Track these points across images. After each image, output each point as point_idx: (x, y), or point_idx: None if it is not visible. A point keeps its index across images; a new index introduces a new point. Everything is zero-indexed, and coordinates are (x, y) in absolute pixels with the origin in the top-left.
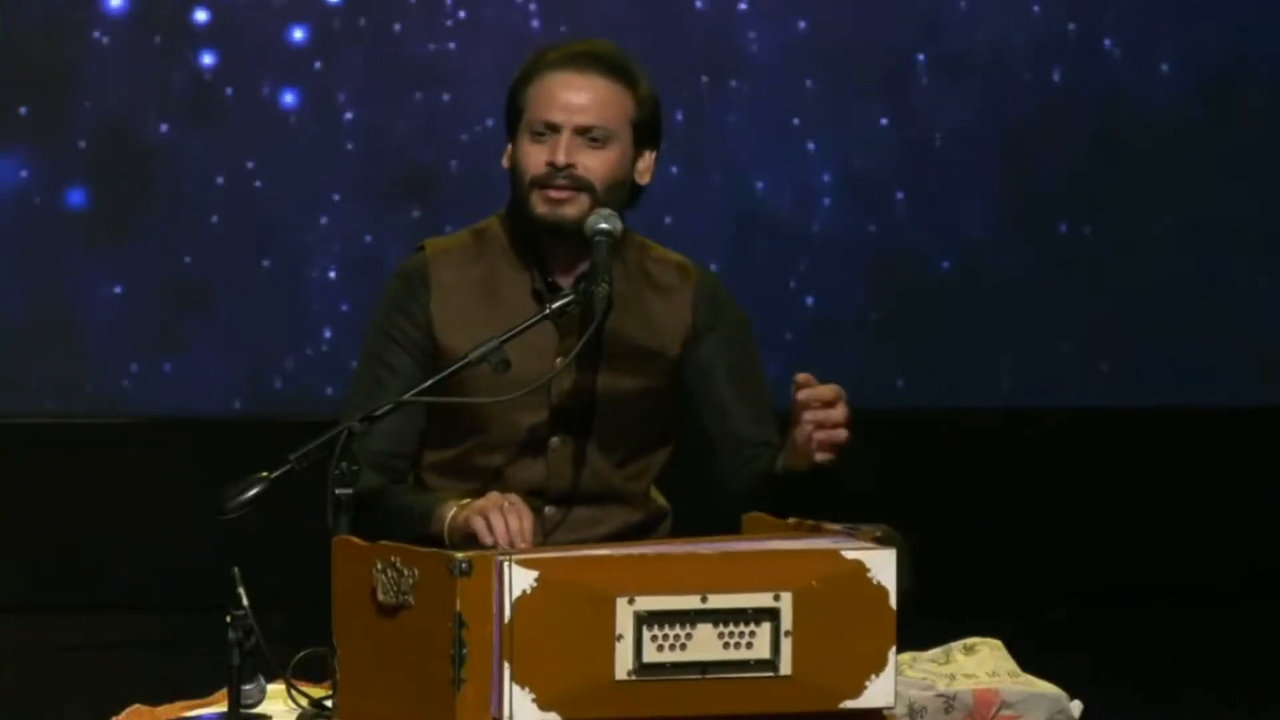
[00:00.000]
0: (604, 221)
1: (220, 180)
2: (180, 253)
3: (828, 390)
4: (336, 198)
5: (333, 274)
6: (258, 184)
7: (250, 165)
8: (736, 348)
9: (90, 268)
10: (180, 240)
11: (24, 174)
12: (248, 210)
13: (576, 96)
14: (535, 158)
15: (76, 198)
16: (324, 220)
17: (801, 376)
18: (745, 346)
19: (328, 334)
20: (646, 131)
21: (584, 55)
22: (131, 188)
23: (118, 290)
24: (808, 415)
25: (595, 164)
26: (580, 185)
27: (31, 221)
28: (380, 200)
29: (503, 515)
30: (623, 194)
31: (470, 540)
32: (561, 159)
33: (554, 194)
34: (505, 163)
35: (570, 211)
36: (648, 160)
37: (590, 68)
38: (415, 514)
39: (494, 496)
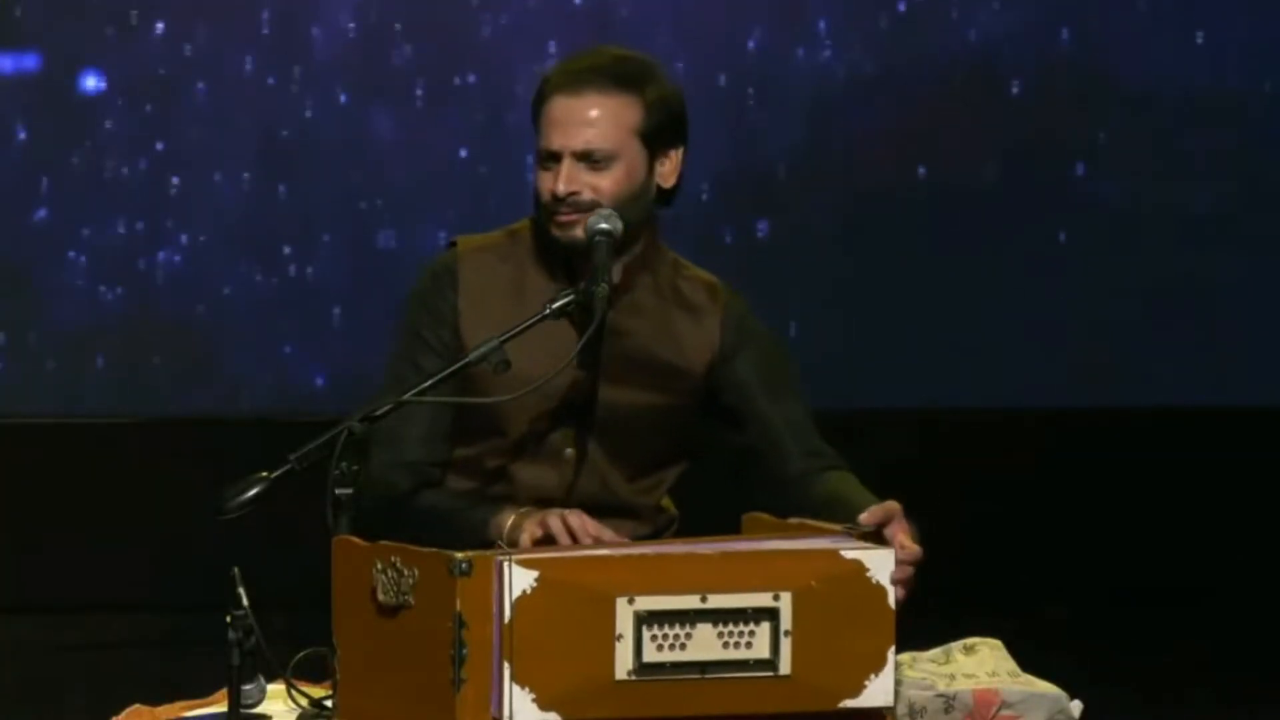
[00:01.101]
0: (604, 222)
1: None
2: None
3: (914, 555)
4: None
5: None
6: None
7: None
8: (771, 363)
9: None
10: None
11: None
12: None
13: (572, 121)
14: (544, 185)
15: None
16: None
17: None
18: (780, 362)
19: None
20: (661, 136)
21: (581, 72)
22: None
23: None
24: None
25: (602, 184)
26: (586, 208)
27: None
28: None
29: (580, 519)
30: (642, 204)
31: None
32: (562, 189)
33: (561, 219)
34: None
35: (580, 233)
36: (671, 162)
37: (586, 86)
38: (471, 521)
39: (557, 510)
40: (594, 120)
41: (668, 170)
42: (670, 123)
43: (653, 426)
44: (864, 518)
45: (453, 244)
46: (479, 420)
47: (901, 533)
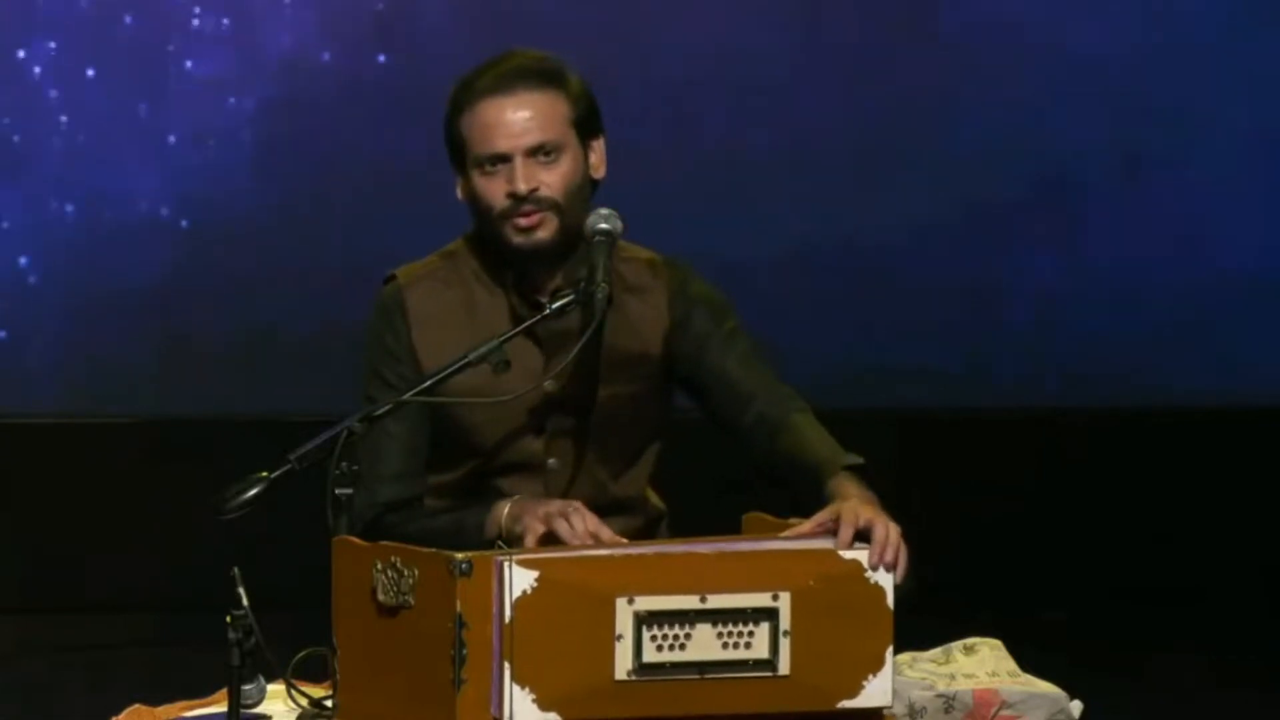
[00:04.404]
0: (604, 222)
1: None
2: None
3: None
4: None
5: None
6: None
7: None
8: (718, 322)
9: None
10: None
11: None
12: None
13: (515, 120)
14: (494, 191)
15: None
16: None
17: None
18: (727, 320)
19: None
20: (588, 125)
21: (509, 74)
22: None
23: None
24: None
25: (554, 179)
26: (547, 205)
27: None
28: None
29: (582, 518)
30: (585, 197)
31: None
32: (522, 188)
33: (523, 221)
34: (460, 194)
35: (544, 234)
36: (598, 151)
37: (518, 85)
38: (465, 526)
39: (557, 504)
40: (535, 114)
41: (596, 160)
42: (592, 112)
43: (627, 417)
44: (804, 530)
45: (392, 277)
46: (460, 444)
47: (847, 526)
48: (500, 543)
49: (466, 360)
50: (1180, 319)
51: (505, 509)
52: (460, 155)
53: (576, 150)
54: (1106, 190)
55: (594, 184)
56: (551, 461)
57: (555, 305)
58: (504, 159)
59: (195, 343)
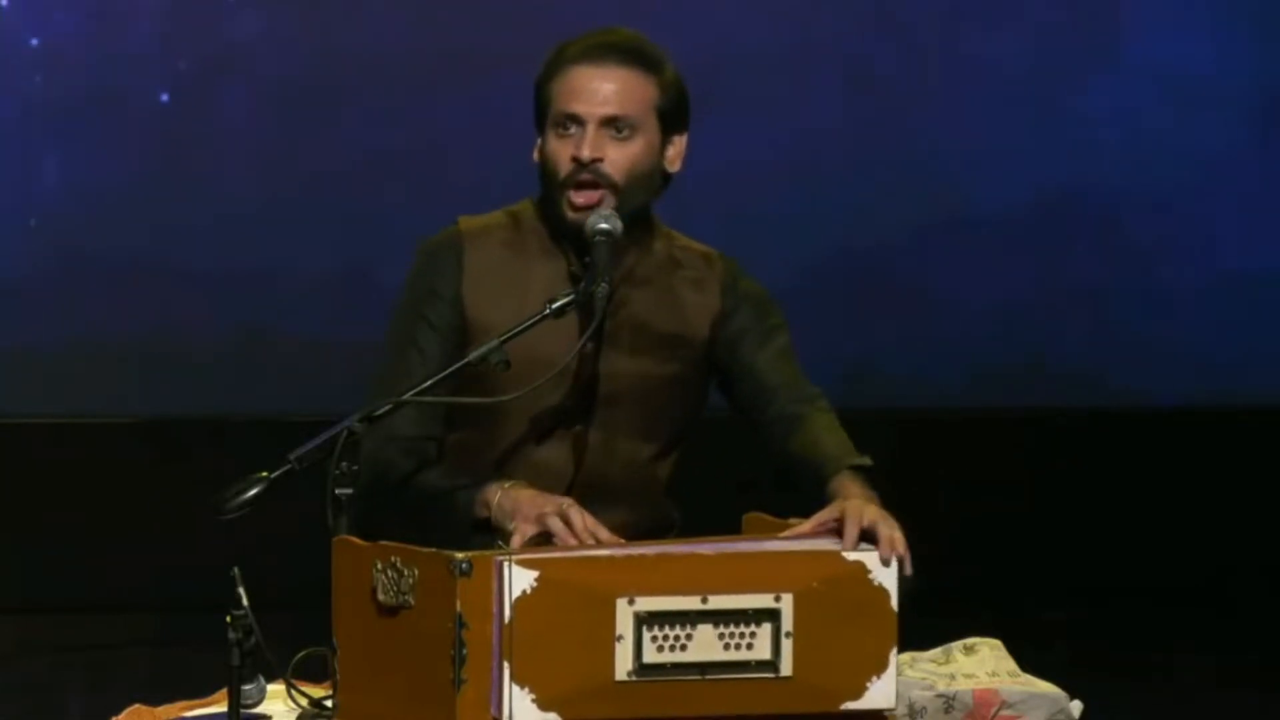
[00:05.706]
0: (604, 221)
1: None
2: None
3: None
4: None
5: None
6: None
7: None
8: (760, 318)
9: None
10: None
11: None
12: None
13: (600, 88)
14: (562, 154)
15: None
16: None
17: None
18: (770, 318)
19: None
20: (673, 118)
21: (604, 46)
22: None
23: None
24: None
25: (621, 157)
26: (606, 181)
27: None
28: None
29: (580, 515)
30: (651, 185)
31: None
32: (587, 154)
33: (580, 200)
34: (535, 156)
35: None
36: (678, 146)
37: (611, 58)
38: (458, 503)
39: (553, 502)
40: (620, 89)
41: (673, 155)
42: (681, 106)
43: (660, 399)
44: (805, 529)
45: (454, 222)
46: (487, 407)
47: (853, 524)
48: (500, 542)
49: (467, 361)
50: (1180, 319)
51: (497, 495)
52: (542, 116)
53: (654, 137)
54: (1105, 192)
55: (666, 178)
56: (576, 427)
57: (555, 305)
58: (578, 121)
59: (195, 343)
